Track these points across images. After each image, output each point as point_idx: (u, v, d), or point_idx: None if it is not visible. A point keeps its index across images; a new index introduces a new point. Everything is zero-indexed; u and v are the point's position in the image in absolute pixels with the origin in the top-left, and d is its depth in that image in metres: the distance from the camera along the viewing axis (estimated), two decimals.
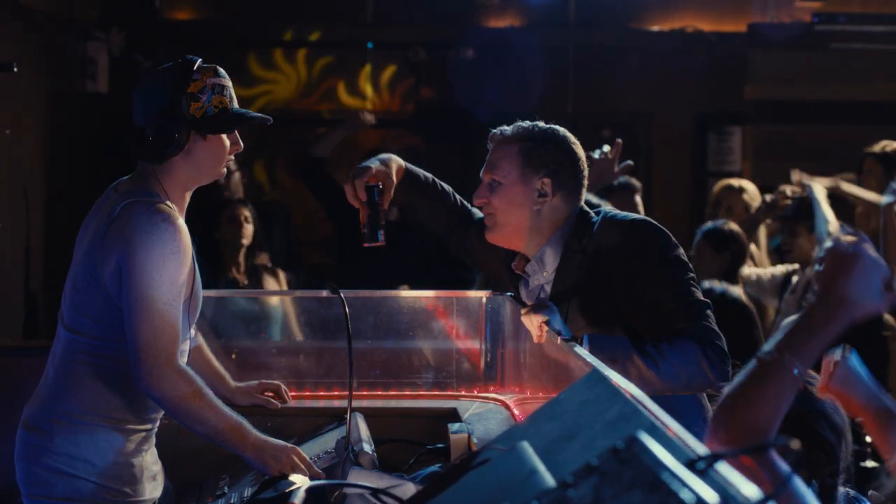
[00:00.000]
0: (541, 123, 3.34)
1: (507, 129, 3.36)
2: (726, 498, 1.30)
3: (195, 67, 3.03)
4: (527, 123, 3.34)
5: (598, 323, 3.22)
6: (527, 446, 1.89)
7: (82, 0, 7.75)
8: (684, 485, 1.28)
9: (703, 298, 3.18)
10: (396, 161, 3.56)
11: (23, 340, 5.79)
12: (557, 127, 3.35)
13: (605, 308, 3.21)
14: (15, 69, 4.10)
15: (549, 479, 1.71)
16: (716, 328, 3.13)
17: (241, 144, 3.13)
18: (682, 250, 3.25)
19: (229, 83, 3.09)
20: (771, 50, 8.67)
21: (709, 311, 3.15)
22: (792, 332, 1.91)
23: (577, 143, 3.35)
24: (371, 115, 6.99)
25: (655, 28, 9.22)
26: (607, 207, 3.37)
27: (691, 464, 1.38)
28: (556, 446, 1.98)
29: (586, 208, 3.35)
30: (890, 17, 8.72)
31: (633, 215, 3.32)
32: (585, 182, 3.37)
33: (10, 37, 6.12)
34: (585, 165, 3.36)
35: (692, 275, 3.21)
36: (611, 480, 1.37)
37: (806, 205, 6.14)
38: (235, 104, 3.10)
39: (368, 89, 9.30)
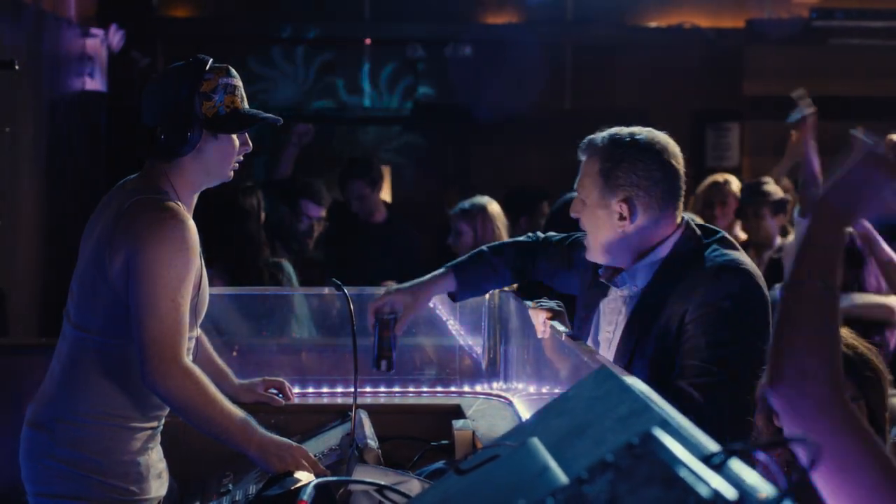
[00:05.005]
0: (627, 135, 3.08)
1: (596, 140, 3.11)
2: (743, 493, 1.30)
3: (207, 67, 3.03)
4: (614, 134, 3.09)
5: (649, 355, 3.00)
6: (537, 443, 1.89)
7: None
8: (702, 480, 1.28)
9: (730, 380, 2.85)
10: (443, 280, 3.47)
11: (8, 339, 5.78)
12: (643, 139, 3.08)
13: (665, 342, 2.97)
14: (17, 67, 4.10)
15: (562, 476, 1.71)
16: (715, 411, 2.80)
17: (251, 145, 3.13)
18: (765, 318, 2.92)
19: (240, 83, 3.09)
20: (769, 46, 8.69)
21: (725, 393, 2.84)
22: (799, 254, 1.83)
23: (667, 156, 3.07)
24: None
25: (653, 24, 9.24)
26: (718, 240, 3.07)
27: (707, 459, 1.38)
28: (566, 442, 1.98)
29: (695, 230, 3.10)
30: (887, 12, 8.73)
31: (741, 263, 2.98)
32: (678, 200, 3.09)
33: (7, 34, 6.11)
34: (676, 182, 3.08)
35: (752, 349, 2.82)
36: (626, 476, 1.37)
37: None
38: (247, 104, 3.10)
39: (366, 86, 9.31)
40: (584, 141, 3.16)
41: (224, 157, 3.08)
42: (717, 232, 3.12)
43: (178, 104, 2.99)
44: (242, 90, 3.10)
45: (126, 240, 2.95)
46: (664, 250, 3.09)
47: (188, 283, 2.96)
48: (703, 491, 1.25)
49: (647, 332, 3.02)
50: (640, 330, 3.04)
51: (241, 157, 3.13)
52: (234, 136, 3.08)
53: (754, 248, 6.33)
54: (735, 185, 6.89)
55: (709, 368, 2.85)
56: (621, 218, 3.07)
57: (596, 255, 3.16)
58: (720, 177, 7.01)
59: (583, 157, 3.16)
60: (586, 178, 3.13)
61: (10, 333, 5.88)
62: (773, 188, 6.43)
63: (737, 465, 1.42)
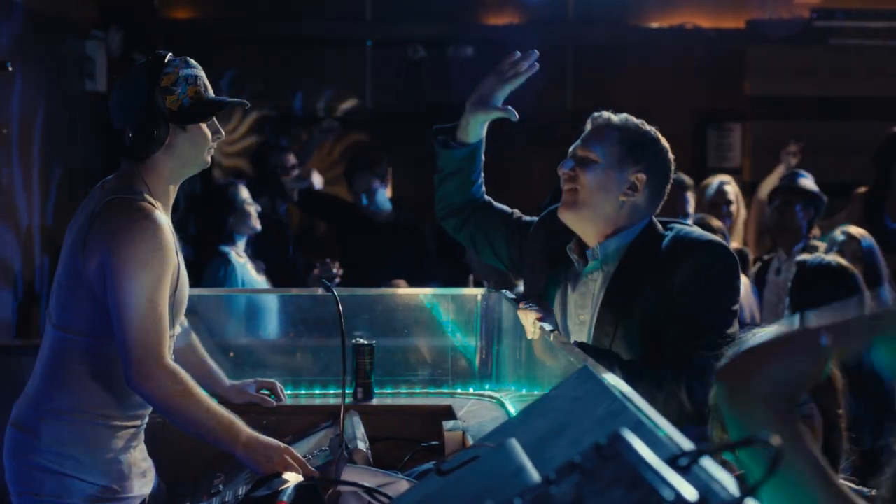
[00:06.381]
0: (646, 124, 3.31)
1: (612, 117, 3.30)
2: (708, 494, 1.29)
3: (166, 61, 3.03)
4: (633, 118, 3.31)
5: (634, 331, 3.15)
6: (515, 443, 1.89)
7: None
8: (665, 482, 1.28)
9: (730, 332, 3.11)
10: None
11: (16, 339, 5.79)
12: (659, 134, 3.32)
13: (649, 317, 3.14)
14: (9, 68, 4.10)
15: (536, 476, 1.71)
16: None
17: (223, 132, 3.14)
18: (740, 280, 3.23)
19: (202, 73, 3.10)
20: (770, 46, 8.67)
21: (727, 348, 3.07)
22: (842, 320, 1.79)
23: (671, 157, 3.32)
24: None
25: (654, 25, 9.22)
26: (680, 225, 3.33)
27: (674, 460, 1.37)
28: (545, 443, 1.98)
29: (656, 220, 3.31)
30: (888, 12, 8.71)
31: (708, 235, 3.25)
32: (665, 197, 3.34)
33: (7, 36, 6.12)
34: (669, 181, 3.33)
35: (736, 307, 3.17)
36: (592, 477, 1.37)
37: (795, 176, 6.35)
38: (210, 92, 3.11)
39: (368, 87, 9.30)
40: (598, 113, 3.32)
41: (197, 147, 3.08)
42: (674, 220, 3.37)
43: (141, 103, 3.00)
44: (205, 79, 3.10)
45: (99, 242, 2.95)
46: (635, 232, 3.26)
47: (165, 282, 2.95)
48: (666, 493, 1.25)
49: (630, 310, 3.16)
50: (621, 309, 3.17)
51: (215, 144, 3.13)
52: (204, 126, 3.08)
53: (783, 241, 6.27)
54: (734, 183, 6.95)
55: (708, 332, 3.06)
56: (631, 187, 3.24)
57: (577, 215, 3.27)
58: (725, 177, 7.06)
59: (593, 124, 3.32)
60: (604, 139, 3.26)
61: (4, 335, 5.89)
62: (808, 182, 6.43)
63: (707, 464, 1.42)
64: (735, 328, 3.15)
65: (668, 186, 3.34)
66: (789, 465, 1.44)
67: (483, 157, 3.64)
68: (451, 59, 9.05)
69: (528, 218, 3.63)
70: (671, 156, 3.31)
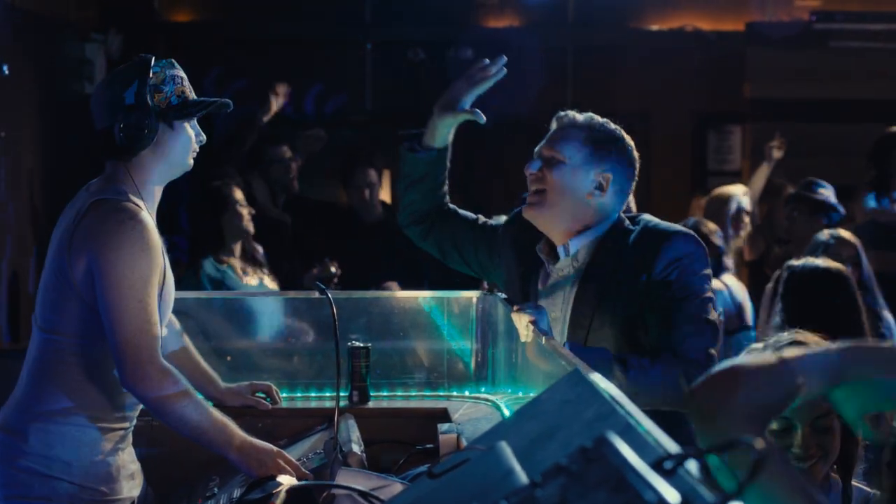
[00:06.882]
0: (610, 123, 3.36)
1: (577, 116, 3.36)
2: (692, 497, 1.29)
3: (153, 62, 3.06)
4: (597, 117, 3.35)
5: (607, 324, 3.20)
6: (505, 446, 1.89)
7: (79, 2, 7.76)
8: (648, 485, 1.28)
9: (711, 318, 3.17)
10: None
11: (8, 344, 5.80)
12: (623, 133, 3.36)
13: (622, 310, 3.19)
14: (5, 71, 4.09)
15: (525, 479, 1.71)
16: (711, 350, 3.11)
17: (204, 136, 3.16)
18: (710, 266, 3.29)
19: (185, 75, 3.14)
20: (769, 48, 8.66)
21: (711, 332, 3.15)
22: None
23: (636, 157, 3.37)
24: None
25: (654, 27, 9.22)
26: (647, 216, 3.37)
27: (659, 463, 1.37)
28: (535, 446, 1.98)
29: (623, 216, 3.35)
30: (888, 15, 8.71)
31: (675, 226, 3.30)
32: (631, 194, 3.39)
33: (5, 38, 6.12)
34: (634, 178, 3.38)
35: (711, 294, 3.22)
36: (577, 480, 1.36)
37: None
38: (193, 94, 3.14)
39: (367, 89, 9.31)
40: (563, 113, 3.38)
41: (182, 146, 3.10)
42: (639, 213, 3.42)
43: (131, 100, 3.02)
44: (188, 81, 3.13)
45: (85, 244, 2.96)
46: (603, 228, 3.30)
47: (153, 282, 2.96)
48: (649, 496, 1.25)
49: (603, 305, 3.20)
50: (595, 302, 3.21)
51: (197, 147, 3.15)
52: (188, 126, 3.10)
53: (796, 248, 6.25)
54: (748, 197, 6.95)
55: (691, 319, 3.12)
56: (598, 187, 3.29)
57: (544, 215, 3.31)
58: (743, 187, 7.05)
59: (559, 124, 3.37)
60: (570, 140, 3.31)
61: (21, 339, 5.90)
62: (824, 190, 6.42)
63: (693, 467, 1.42)
64: (714, 315, 3.19)
65: (634, 184, 3.37)
66: (766, 482, 1.43)
67: (448, 164, 3.67)
68: (451, 61, 9.05)
69: (493, 222, 3.68)
70: (636, 154, 3.36)
